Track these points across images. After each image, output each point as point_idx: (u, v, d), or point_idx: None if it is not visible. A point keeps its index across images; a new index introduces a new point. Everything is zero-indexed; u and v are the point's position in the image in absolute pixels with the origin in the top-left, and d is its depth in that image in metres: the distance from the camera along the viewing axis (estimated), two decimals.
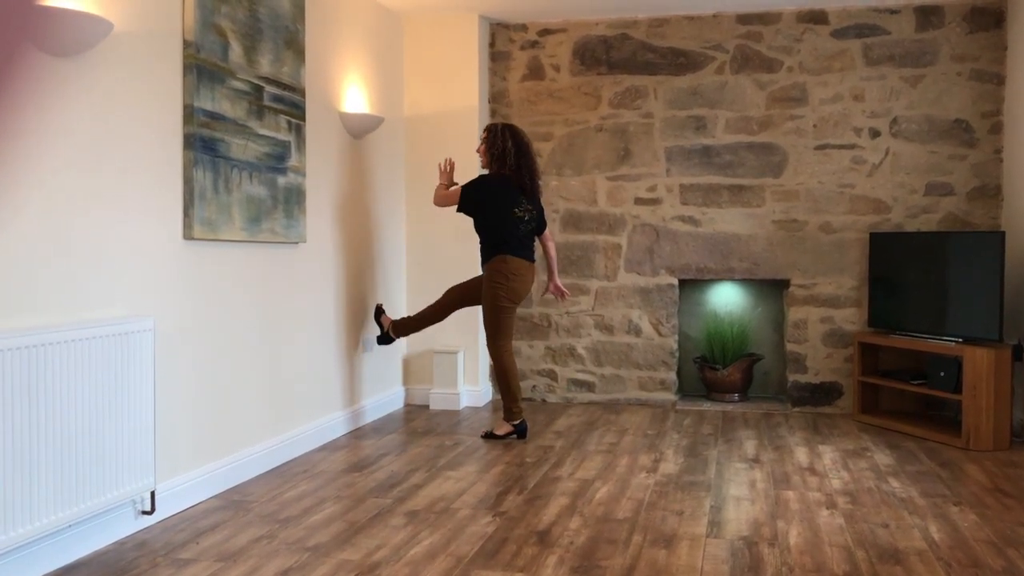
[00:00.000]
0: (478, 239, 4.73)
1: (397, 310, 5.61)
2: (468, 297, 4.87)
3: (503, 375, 4.65)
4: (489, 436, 4.66)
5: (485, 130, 4.73)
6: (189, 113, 3.37)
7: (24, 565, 2.63)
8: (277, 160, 3.98)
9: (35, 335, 2.56)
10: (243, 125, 3.71)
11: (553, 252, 4.94)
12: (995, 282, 4.53)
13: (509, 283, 4.57)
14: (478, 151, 4.76)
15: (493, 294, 4.59)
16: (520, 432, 4.66)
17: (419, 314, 4.99)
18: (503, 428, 4.67)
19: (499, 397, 5.89)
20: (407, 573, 2.72)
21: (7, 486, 2.47)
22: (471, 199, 4.65)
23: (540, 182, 4.80)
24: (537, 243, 4.87)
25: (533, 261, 4.70)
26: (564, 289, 5.01)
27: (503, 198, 4.59)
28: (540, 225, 4.79)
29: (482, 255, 4.69)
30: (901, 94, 5.37)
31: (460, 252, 5.67)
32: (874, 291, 5.25)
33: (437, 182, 5.67)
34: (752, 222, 5.57)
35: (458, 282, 5.10)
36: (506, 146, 4.60)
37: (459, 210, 4.69)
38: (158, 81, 3.24)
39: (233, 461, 3.73)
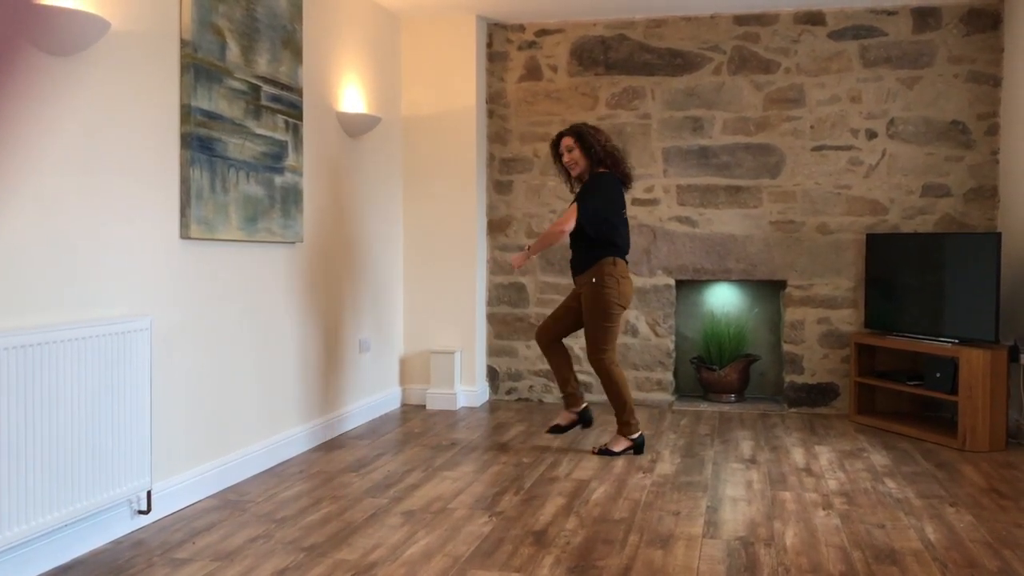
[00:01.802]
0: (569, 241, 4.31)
1: (395, 309, 5.61)
2: (567, 323, 4.42)
3: (617, 388, 4.26)
4: (604, 452, 4.28)
5: (570, 136, 4.32)
6: (186, 112, 3.37)
7: (20, 565, 2.62)
8: (274, 160, 3.98)
9: (31, 334, 2.56)
10: (240, 125, 3.70)
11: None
12: (991, 283, 4.54)
13: (620, 287, 4.21)
14: (566, 162, 4.34)
15: (605, 300, 4.18)
16: (638, 448, 4.31)
17: (559, 377, 4.44)
18: (620, 444, 4.30)
19: (497, 398, 5.90)
20: (403, 573, 2.72)
21: (3, 485, 2.47)
22: (605, 198, 4.22)
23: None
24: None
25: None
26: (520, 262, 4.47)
27: (620, 196, 4.29)
28: None
29: (582, 259, 4.28)
30: (898, 95, 5.38)
31: (457, 251, 5.67)
32: (871, 292, 5.26)
33: (437, 184, 5.67)
34: (749, 223, 5.58)
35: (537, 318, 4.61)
36: (607, 142, 4.31)
37: (596, 221, 4.19)
38: (155, 80, 3.24)
39: (229, 461, 3.72)
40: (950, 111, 5.32)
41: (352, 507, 3.42)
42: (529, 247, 4.42)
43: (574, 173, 4.39)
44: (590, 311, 4.25)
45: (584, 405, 4.43)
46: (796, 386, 5.53)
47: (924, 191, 5.36)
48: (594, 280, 4.22)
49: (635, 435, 4.32)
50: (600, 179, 4.29)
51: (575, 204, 4.25)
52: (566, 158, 4.36)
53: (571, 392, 4.41)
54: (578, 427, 4.53)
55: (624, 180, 4.37)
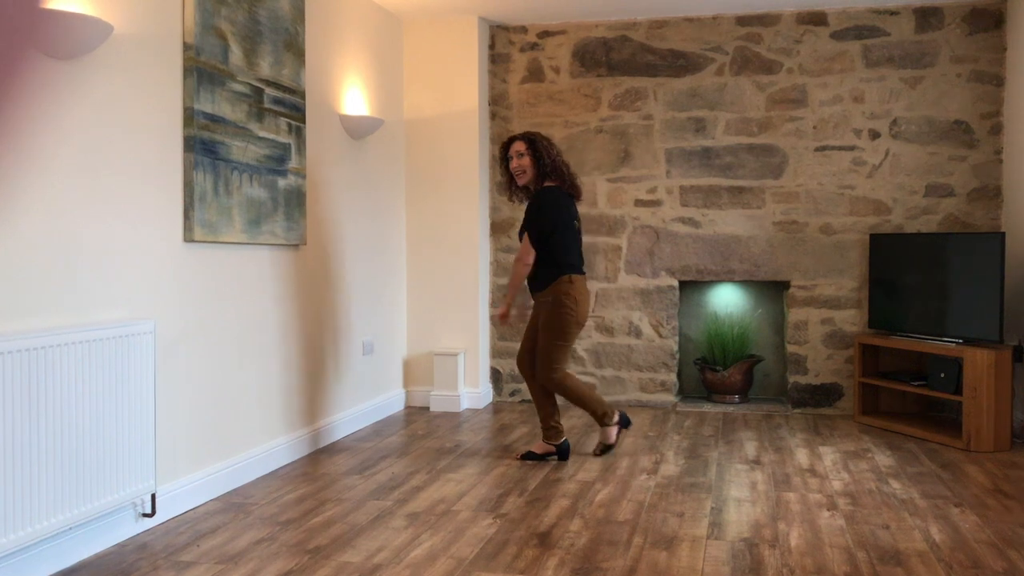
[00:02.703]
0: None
1: (396, 312, 5.61)
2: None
3: (578, 395, 4.21)
4: (605, 450, 4.32)
5: (523, 142, 4.21)
6: (189, 116, 3.37)
7: (25, 568, 2.63)
8: (277, 162, 3.99)
9: (36, 338, 2.56)
10: (243, 127, 3.71)
11: None
12: (995, 283, 4.53)
13: (579, 307, 4.13)
14: (513, 167, 4.23)
15: (562, 321, 4.11)
16: (625, 423, 4.36)
17: (542, 410, 4.26)
18: (611, 435, 4.32)
19: (501, 399, 5.90)
20: (408, 575, 2.72)
21: (8, 488, 2.47)
22: (553, 218, 4.11)
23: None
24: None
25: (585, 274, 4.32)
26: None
27: (568, 211, 4.16)
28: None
29: (539, 277, 4.18)
30: (901, 95, 5.37)
31: (460, 253, 5.67)
32: (874, 292, 5.25)
33: (439, 186, 5.67)
34: (752, 224, 5.57)
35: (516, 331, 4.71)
36: (558, 156, 4.21)
37: (542, 238, 4.11)
38: (158, 84, 3.24)
39: (233, 463, 3.73)
40: (953, 111, 5.31)
41: (356, 510, 3.42)
42: (506, 297, 4.30)
43: (520, 181, 4.24)
44: (546, 329, 4.15)
45: (563, 439, 4.24)
46: (800, 387, 5.53)
47: (928, 191, 5.35)
48: (552, 299, 4.13)
49: (615, 418, 4.33)
50: (546, 195, 4.15)
51: (526, 235, 4.16)
52: (514, 163, 4.22)
53: (553, 426, 4.22)
54: (553, 458, 4.24)
55: (574, 194, 4.26)
